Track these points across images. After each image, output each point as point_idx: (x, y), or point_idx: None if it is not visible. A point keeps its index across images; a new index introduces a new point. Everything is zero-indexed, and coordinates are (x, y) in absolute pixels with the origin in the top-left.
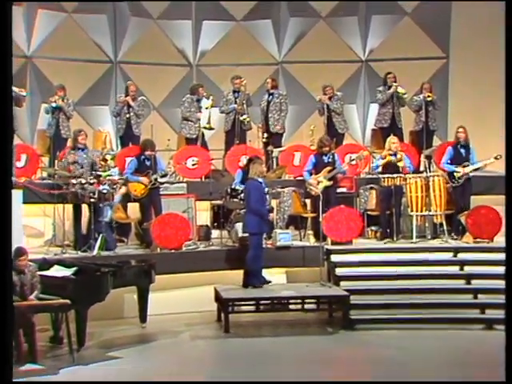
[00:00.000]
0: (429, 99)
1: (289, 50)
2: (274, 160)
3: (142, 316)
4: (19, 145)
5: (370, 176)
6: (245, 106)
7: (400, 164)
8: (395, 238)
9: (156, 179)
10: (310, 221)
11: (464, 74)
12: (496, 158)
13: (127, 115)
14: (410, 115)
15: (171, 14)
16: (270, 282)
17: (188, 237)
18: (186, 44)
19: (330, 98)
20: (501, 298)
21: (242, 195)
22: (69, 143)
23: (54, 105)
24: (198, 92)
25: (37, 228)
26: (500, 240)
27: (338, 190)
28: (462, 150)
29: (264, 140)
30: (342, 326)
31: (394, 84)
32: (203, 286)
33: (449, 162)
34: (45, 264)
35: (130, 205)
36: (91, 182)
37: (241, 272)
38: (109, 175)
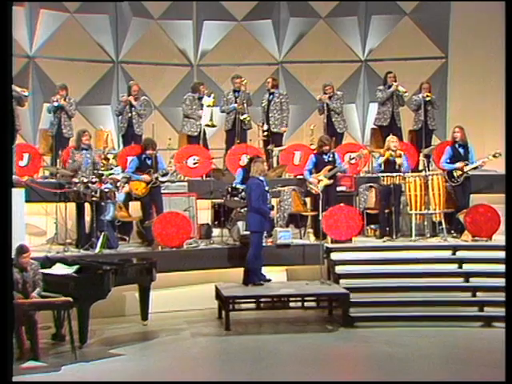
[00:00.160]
0: (428, 99)
1: (289, 50)
2: (275, 159)
3: (144, 314)
4: (22, 144)
5: (370, 175)
6: (245, 105)
7: (398, 161)
8: (394, 237)
9: (157, 178)
10: (310, 219)
11: (463, 73)
12: (494, 156)
13: (129, 114)
14: (409, 114)
15: (172, 14)
16: (270, 280)
17: (189, 235)
18: (187, 44)
19: (330, 98)
20: (499, 296)
21: (243, 194)
22: (71, 142)
23: (56, 104)
24: (199, 90)
25: (39, 226)
26: (498, 238)
27: (338, 189)
28: (461, 150)
29: (264, 137)
30: (341, 324)
31: (394, 84)
32: (204, 284)
33: (448, 161)
34: (47, 262)
35: (131, 203)
36: (93, 180)
37: (241, 270)
38: (111, 174)
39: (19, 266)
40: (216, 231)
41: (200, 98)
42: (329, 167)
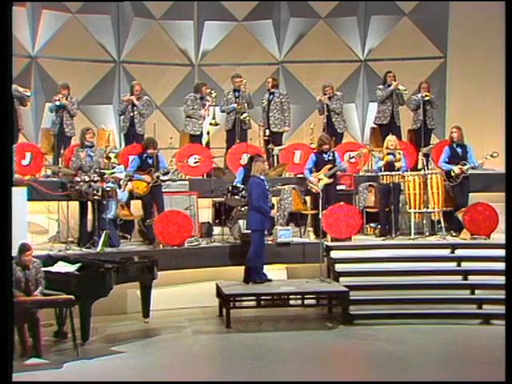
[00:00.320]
0: (426, 98)
1: (289, 50)
2: (275, 158)
3: (145, 311)
4: (24, 143)
5: (369, 174)
6: (245, 104)
7: (398, 164)
8: (394, 235)
9: (158, 177)
10: (310, 218)
11: (461, 73)
12: (492, 156)
13: (131, 114)
14: (409, 114)
15: (174, 14)
16: (271, 280)
17: (190, 233)
18: (188, 44)
19: (329, 98)
20: (498, 294)
21: (243, 192)
22: (73, 141)
23: (57, 103)
24: (201, 90)
25: (41, 225)
26: (497, 237)
27: (338, 188)
28: (459, 149)
29: (265, 138)
30: (341, 321)
31: (394, 83)
32: (205, 282)
33: (446, 160)
34: (49, 260)
35: (133, 202)
36: (95, 179)
37: (242, 268)
38: (112, 173)
39: (21, 264)
40: (217, 229)
41: (202, 98)
42: (329, 166)
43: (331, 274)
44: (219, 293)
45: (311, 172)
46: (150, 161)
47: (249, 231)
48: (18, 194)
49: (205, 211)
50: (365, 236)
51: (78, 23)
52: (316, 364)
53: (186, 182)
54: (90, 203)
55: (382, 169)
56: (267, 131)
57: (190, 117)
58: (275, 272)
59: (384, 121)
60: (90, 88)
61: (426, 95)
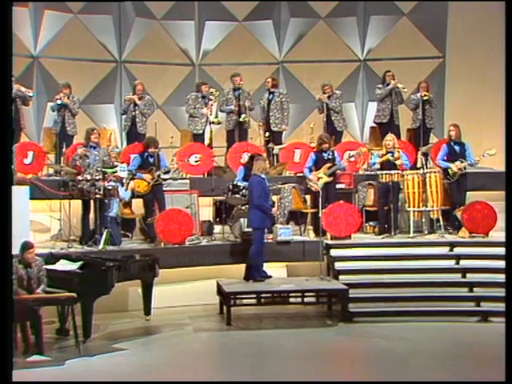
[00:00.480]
0: (425, 98)
1: (289, 50)
2: (275, 157)
3: (147, 309)
4: (26, 142)
5: (369, 172)
6: (245, 104)
7: (397, 162)
8: (393, 233)
9: (159, 176)
10: (309, 216)
11: (460, 73)
12: (489, 154)
13: (133, 113)
14: (408, 113)
15: (175, 14)
16: (270, 276)
17: (191, 232)
18: (189, 44)
19: (329, 97)
20: (496, 291)
21: (244, 191)
22: (75, 140)
23: (59, 102)
24: (201, 90)
25: (43, 223)
26: (495, 235)
27: (338, 186)
28: (456, 147)
29: (266, 138)
30: (340, 319)
31: (393, 81)
32: (206, 280)
33: (444, 158)
34: (51, 258)
35: (134, 201)
36: (97, 178)
37: (242, 266)
38: (114, 172)
39: (24, 262)
40: (217, 228)
41: (203, 97)
42: (328, 165)
43: (331, 272)
44: (220, 290)
45: (311, 171)
46: (151, 160)
47: (249, 229)
48: (21, 193)
49: (205, 210)
50: (364, 234)
51: (80, 23)
52: (316, 361)
53: (187, 181)
54: (92, 202)
55: (378, 165)
56: (267, 133)
57: (193, 116)
58: (275, 270)
59: (384, 119)
60: (91, 88)
61: (425, 95)
